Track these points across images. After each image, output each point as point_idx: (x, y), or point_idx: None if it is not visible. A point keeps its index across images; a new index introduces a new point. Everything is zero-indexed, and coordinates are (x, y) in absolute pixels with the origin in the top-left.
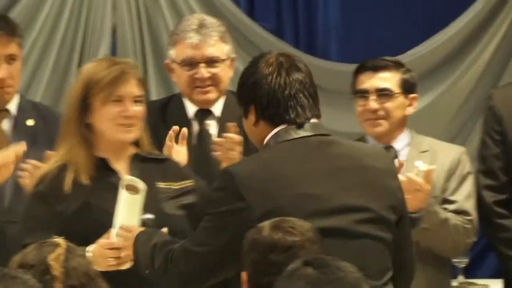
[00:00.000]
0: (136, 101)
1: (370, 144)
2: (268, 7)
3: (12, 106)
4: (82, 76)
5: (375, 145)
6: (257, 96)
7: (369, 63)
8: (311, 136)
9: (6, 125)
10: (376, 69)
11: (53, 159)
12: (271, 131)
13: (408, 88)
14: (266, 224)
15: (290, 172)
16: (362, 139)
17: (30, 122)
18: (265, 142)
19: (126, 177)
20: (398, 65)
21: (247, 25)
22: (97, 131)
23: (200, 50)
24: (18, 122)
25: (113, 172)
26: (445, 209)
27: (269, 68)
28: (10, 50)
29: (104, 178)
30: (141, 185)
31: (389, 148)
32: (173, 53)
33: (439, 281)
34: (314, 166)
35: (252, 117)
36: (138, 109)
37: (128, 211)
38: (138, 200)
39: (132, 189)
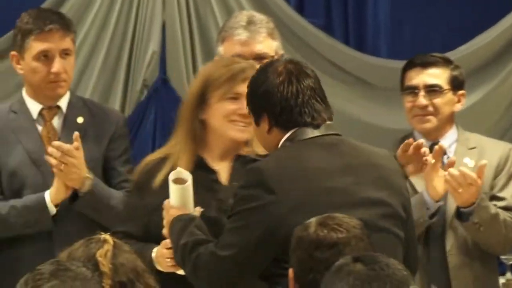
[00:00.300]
0: None
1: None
2: (318, 4)
3: (63, 103)
4: (202, 72)
5: (381, 148)
6: (270, 105)
7: (418, 59)
8: (325, 135)
9: (57, 122)
10: (426, 65)
11: (159, 150)
12: (284, 134)
13: (457, 84)
14: (312, 221)
15: (313, 167)
16: (410, 135)
17: (80, 119)
18: (280, 144)
19: (173, 171)
20: (447, 62)
21: (297, 22)
22: (210, 128)
23: (248, 46)
24: (68, 119)
25: (211, 172)
26: (494, 205)
27: (279, 76)
28: (65, 44)
29: (201, 177)
30: (186, 175)
31: (436, 144)
32: (221, 49)
33: (486, 277)
34: (333, 162)
35: (265, 125)
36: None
37: (180, 203)
38: (186, 189)
39: (181, 182)
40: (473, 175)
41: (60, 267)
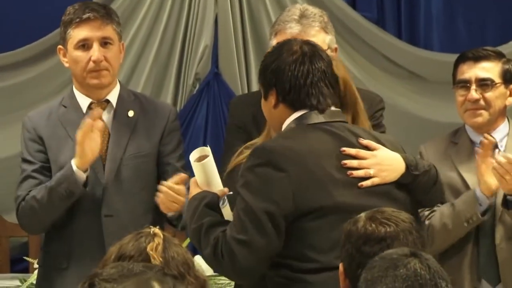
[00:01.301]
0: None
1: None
2: None
3: (113, 97)
4: None
5: (386, 135)
6: (280, 81)
7: (470, 53)
8: (331, 122)
9: (107, 116)
10: (477, 59)
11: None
12: (290, 114)
13: (509, 78)
14: (362, 215)
15: (318, 150)
16: (461, 129)
17: (131, 113)
18: (285, 124)
19: (195, 150)
20: (499, 55)
21: (349, 16)
22: None
23: None
24: (118, 113)
25: None
26: None
27: (293, 55)
28: (104, 33)
29: None
30: (207, 151)
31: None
32: (274, 42)
33: None
34: (337, 147)
35: (272, 100)
36: None
37: (203, 180)
38: (206, 166)
39: (202, 159)
40: None
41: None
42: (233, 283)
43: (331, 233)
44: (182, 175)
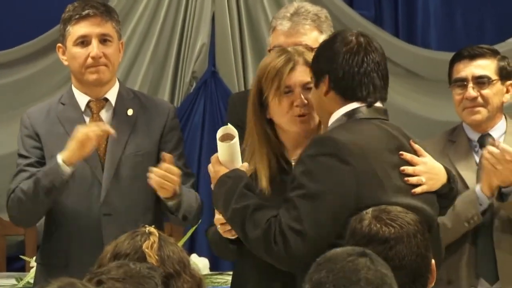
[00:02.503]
0: (308, 89)
1: None
2: None
3: (112, 95)
4: (257, 73)
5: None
6: (333, 68)
7: (465, 52)
8: (377, 118)
9: (106, 114)
10: (473, 57)
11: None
12: (340, 104)
13: (505, 74)
14: (368, 212)
15: (378, 146)
16: (458, 127)
17: (130, 111)
18: (334, 116)
19: (221, 128)
20: (494, 52)
21: (347, 14)
22: (277, 126)
23: (290, 37)
24: (118, 112)
25: (289, 163)
26: None
27: (348, 44)
28: (103, 30)
29: (282, 175)
30: (233, 131)
31: (487, 136)
32: (269, 40)
33: None
34: (392, 143)
35: (324, 87)
36: (307, 96)
37: (227, 159)
38: (233, 147)
39: (228, 137)
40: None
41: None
42: (229, 281)
43: None
44: (169, 155)
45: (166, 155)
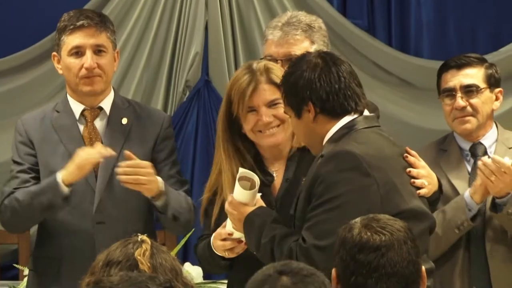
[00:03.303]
0: (271, 106)
1: None
2: (361, 5)
3: (106, 104)
4: (226, 89)
5: None
6: (314, 92)
7: (453, 62)
8: (375, 126)
9: (100, 123)
10: (460, 66)
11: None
12: (332, 123)
13: (493, 82)
14: (357, 222)
15: (387, 154)
16: (450, 136)
17: (124, 120)
18: (330, 134)
19: (243, 170)
20: (481, 61)
21: (340, 23)
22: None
23: (280, 47)
24: (112, 121)
25: (269, 175)
26: None
27: (316, 66)
28: (97, 40)
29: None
30: (255, 179)
31: (478, 145)
32: (263, 49)
33: None
34: (394, 151)
35: (309, 115)
36: (276, 112)
37: (246, 202)
38: (250, 195)
39: (246, 180)
40: (507, 163)
41: None
42: None
43: None
44: (128, 152)
45: (126, 152)
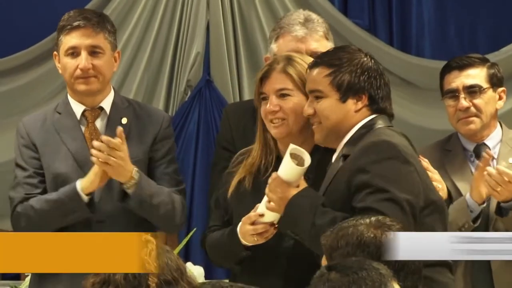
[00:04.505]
0: (281, 95)
1: None
2: (362, 5)
3: (106, 104)
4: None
5: None
6: (374, 90)
7: (454, 63)
8: (391, 126)
9: (101, 123)
10: (462, 67)
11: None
12: (367, 117)
13: (496, 82)
14: (363, 223)
15: (410, 148)
16: (454, 136)
17: (124, 120)
18: (359, 125)
19: (292, 146)
20: (483, 61)
21: (341, 22)
22: None
23: (305, 43)
24: (112, 120)
25: None
26: None
27: (375, 63)
28: (93, 41)
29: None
30: (306, 157)
31: (482, 146)
32: (275, 46)
33: None
34: (412, 150)
35: (358, 105)
36: (284, 104)
37: (292, 180)
38: (300, 171)
39: (296, 158)
40: (510, 172)
41: None
42: None
43: (438, 230)
44: (121, 128)
45: (118, 128)
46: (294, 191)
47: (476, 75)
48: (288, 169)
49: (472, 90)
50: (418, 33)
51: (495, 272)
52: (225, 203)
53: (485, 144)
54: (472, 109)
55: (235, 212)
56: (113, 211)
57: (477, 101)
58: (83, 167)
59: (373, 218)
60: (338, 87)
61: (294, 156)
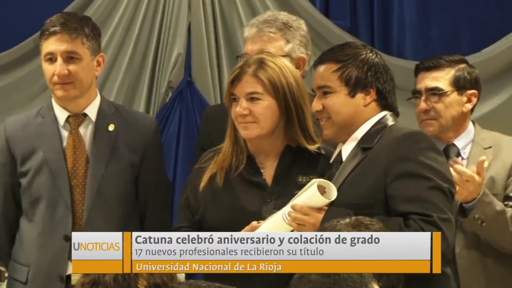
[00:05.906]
0: (251, 99)
1: None
2: (343, 6)
3: (91, 110)
4: None
5: None
6: (381, 84)
7: (424, 63)
8: None
9: (84, 130)
10: (428, 69)
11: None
12: (377, 112)
13: (462, 84)
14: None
15: None
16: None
17: (111, 127)
18: (372, 122)
19: (320, 180)
20: (453, 63)
21: (322, 24)
22: None
23: (254, 44)
24: (98, 127)
25: (257, 170)
26: (506, 205)
27: (381, 59)
28: (69, 47)
29: (248, 177)
30: (333, 190)
31: (451, 146)
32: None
33: (500, 274)
34: None
35: (366, 99)
36: (254, 108)
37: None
38: (323, 202)
39: (323, 190)
40: (468, 172)
41: None
42: None
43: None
44: None
45: None
46: (322, 213)
47: (440, 78)
48: (316, 201)
49: (433, 93)
50: (400, 35)
51: (462, 272)
52: (195, 201)
53: (454, 145)
54: (432, 112)
55: (209, 208)
56: (102, 221)
57: (436, 104)
58: (56, 179)
59: (353, 218)
60: (346, 82)
61: (320, 188)
